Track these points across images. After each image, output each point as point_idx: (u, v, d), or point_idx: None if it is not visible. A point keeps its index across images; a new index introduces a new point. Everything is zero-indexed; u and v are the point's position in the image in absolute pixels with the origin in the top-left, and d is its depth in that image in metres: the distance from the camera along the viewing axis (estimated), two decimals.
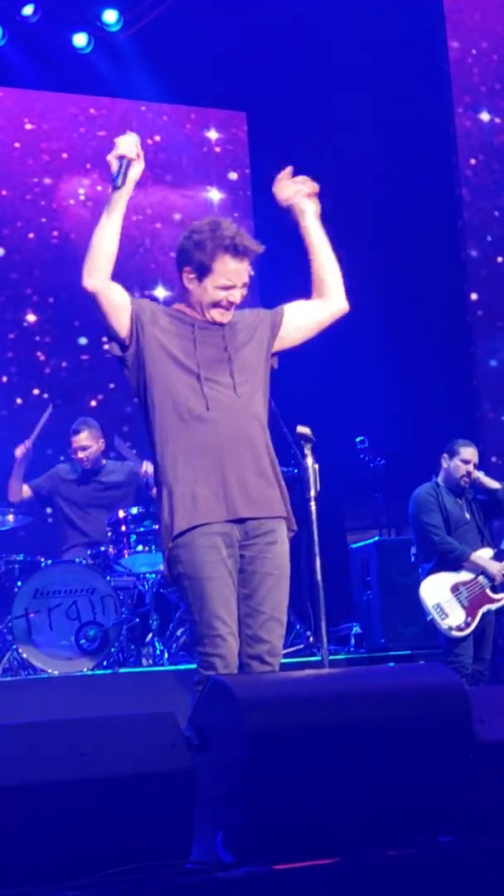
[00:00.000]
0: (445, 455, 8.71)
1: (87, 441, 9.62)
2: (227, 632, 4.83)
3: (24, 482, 9.69)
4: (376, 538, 10.43)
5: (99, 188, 12.75)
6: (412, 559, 8.78)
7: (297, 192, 5.33)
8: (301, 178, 5.35)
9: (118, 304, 5.03)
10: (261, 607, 4.94)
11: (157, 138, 13.10)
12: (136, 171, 5.05)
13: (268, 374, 5.18)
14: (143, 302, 5.17)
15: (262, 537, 4.96)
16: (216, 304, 5.07)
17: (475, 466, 8.67)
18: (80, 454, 9.62)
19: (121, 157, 5.03)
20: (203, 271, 5.05)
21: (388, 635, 9.57)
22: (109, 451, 10.19)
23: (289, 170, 5.39)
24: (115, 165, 5.03)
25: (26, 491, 9.64)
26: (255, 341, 5.14)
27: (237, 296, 5.09)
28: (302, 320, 5.25)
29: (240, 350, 5.08)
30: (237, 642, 4.88)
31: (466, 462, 8.65)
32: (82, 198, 12.71)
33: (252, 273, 5.12)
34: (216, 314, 5.08)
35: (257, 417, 5.06)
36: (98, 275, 4.96)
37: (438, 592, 8.43)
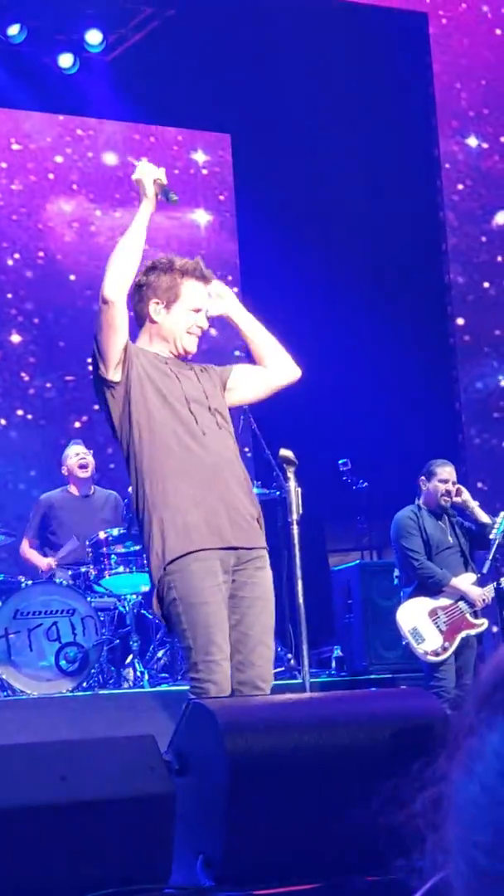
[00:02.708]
0: (423, 478, 8.69)
1: (86, 451, 9.69)
2: (223, 657, 4.83)
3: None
4: (358, 561, 10.42)
5: (94, 212, 12.76)
6: (395, 582, 8.77)
7: (222, 305, 5.34)
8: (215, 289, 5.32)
9: (122, 324, 5.02)
10: (250, 632, 4.94)
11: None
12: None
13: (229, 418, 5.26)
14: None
15: (251, 563, 5.00)
16: (188, 330, 5.10)
17: (454, 484, 8.65)
18: (85, 461, 9.65)
19: (156, 181, 5.18)
20: (172, 298, 5.11)
21: (370, 658, 9.54)
22: (94, 472, 10.19)
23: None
24: (152, 189, 5.18)
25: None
26: (216, 389, 5.20)
27: (204, 321, 5.18)
28: (250, 383, 5.35)
29: (211, 392, 5.14)
30: (230, 667, 4.88)
31: (444, 481, 8.62)
32: (68, 219, 12.72)
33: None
34: (188, 342, 5.15)
35: (236, 452, 5.15)
36: (123, 287, 4.97)
37: (415, 617, 8.40)
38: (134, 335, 5.19)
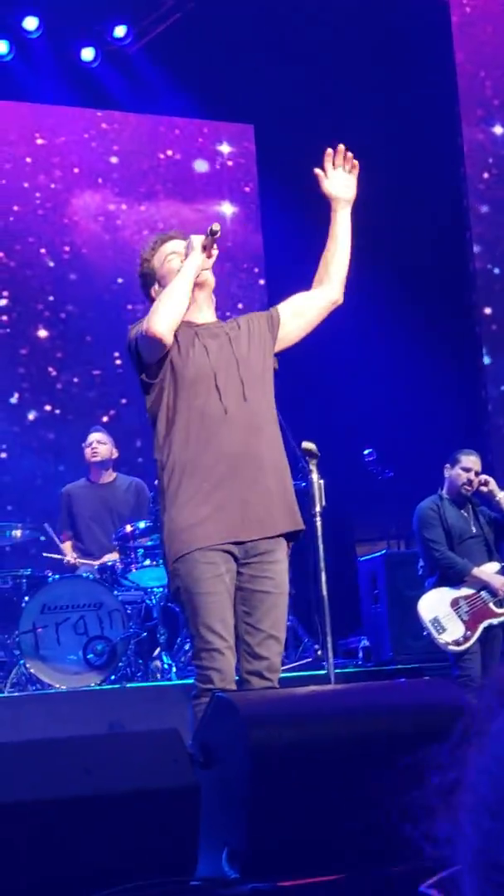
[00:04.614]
0: (448, 465, 8.68)
1: (101, 438, 9.74)
2: (224, 646, 4.87)
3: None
4: (384, 551, 10.42)
5: (120, 206, 12.78)
6: (419, 572, 8.77)
7: (346, 186, 5.36)
8: (346, 165, 5.35)
9: (165, 348, 5.05)
10: (259, 625, 4.96)
11: (169, 152, 13.12)
12: (208, 262, 5.12)
13: (272, 377, 5.21)
14: None
15: (261, 556, 4.98)
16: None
17: (476, 474, 8.63)
18: (96, 449, 9.70)
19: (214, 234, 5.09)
20: (161, 275, 5.19)
21: (397, 648, 9.55)
22: (122, 466, 10.22)
23: (331, 155, 5.37)
24: (198, 241, 5.09)
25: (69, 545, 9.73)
26: (257, 346, 5.17)
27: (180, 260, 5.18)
28: (298, 317, 5.30)
29: (244, 355, 5.11)
30: (234, 656, 4.92)
31: (467, 470, 8.60)
32: (94, 213, 12.73)
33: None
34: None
35: (265, 425, 5.08)
36: (173, 329, 4.98)
37: (436, 607, 8.39)
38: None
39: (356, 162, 5.38)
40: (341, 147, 5.38)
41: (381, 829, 3.69)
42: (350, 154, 5.37)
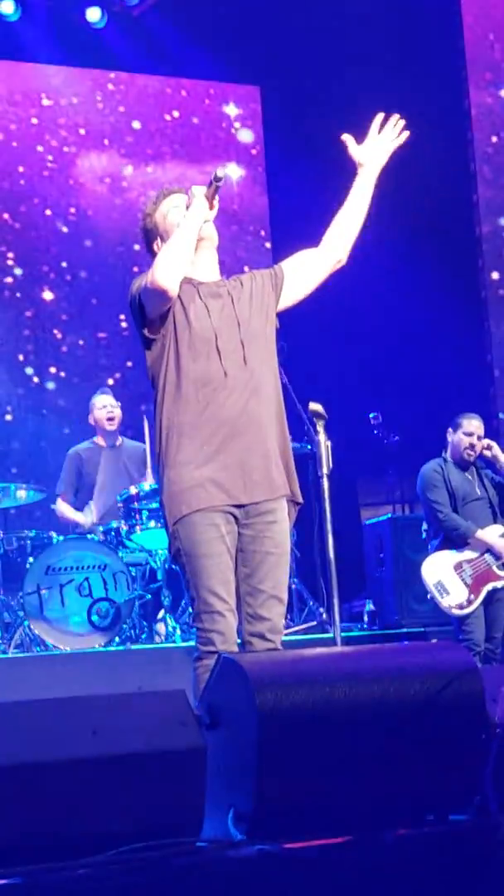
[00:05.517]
0: (450, 429, 8.66)
1: (114, 401, 9.67)
2: (226, 608, 4.83)
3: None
4: (390, 515, 10.42)
5: (126, 167, 12.72)
6: (423, 535, 8.76)
7: (378, 152, 5.31)
8: (389, 130, 5.30)
9: (169, 302, 4.99)
10: (261, 586, 4.92)
11: (176, 114, 13.06)
12: (210, 213, 5.05)
13: (274, 337, 5.16)
14: None
15: (262, 517, 4.94)
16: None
17: (479, 438, 8.61)
18: (112, 412, 9.63)
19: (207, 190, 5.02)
20: (163, 230, 5.11)
21: (402, 612, 9.56)
22: (127, 430, 10.19)
23: (378, 122, 5.32)
24: (201, 192, 5.02)
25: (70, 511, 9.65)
26: (258, 306, 5.09)
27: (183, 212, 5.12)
28: (302, 275, 5.22)
29: (245, 316, 5.04)
30: (236, 618, 4.89)
31: (469, 434, 8.58)
32: (100, 174, 12.68)
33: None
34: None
35: (265, 387, 5.01)
36: (178, 281, 4.91)
37: (440, 570, 8.38)
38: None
39: (407, 133, 5.30)
40: (397, 116, 5.32)
41: (388, 791, 3.70)
42: (403, 123, 5.30)
